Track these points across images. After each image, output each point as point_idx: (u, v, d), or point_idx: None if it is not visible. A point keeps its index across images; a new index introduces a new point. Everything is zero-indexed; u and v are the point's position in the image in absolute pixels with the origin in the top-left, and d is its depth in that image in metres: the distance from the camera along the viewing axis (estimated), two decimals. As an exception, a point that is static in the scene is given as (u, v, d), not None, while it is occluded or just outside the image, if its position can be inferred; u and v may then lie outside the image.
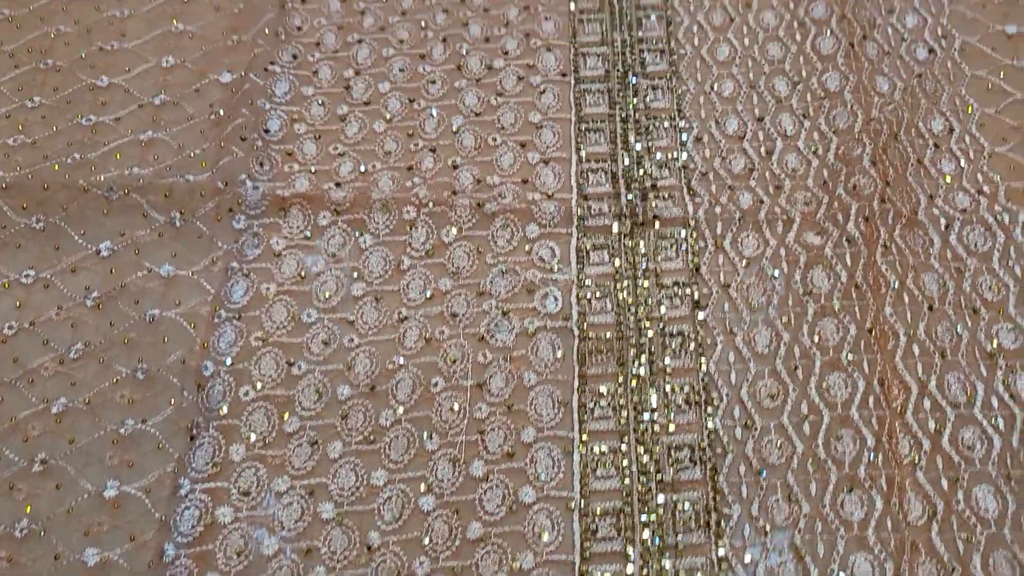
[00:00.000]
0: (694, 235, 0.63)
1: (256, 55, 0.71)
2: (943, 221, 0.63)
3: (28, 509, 0.53)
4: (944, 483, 0.54)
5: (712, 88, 0.71)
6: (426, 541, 0.52)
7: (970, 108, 0.69)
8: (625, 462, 0.55)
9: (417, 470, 0.54)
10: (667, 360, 0.58)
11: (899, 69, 0.71)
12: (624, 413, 0.56)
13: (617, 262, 0.62)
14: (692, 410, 0.57)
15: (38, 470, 0.53)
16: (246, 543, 0.52)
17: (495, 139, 0.68)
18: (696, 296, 0.61)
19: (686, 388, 0.57)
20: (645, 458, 0.55)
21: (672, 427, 0.56)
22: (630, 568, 0.52)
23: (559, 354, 0.58)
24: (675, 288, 0.61)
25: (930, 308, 0.60)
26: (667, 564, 0.52)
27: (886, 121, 0.68)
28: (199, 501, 0.53)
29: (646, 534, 0.53)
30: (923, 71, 0.71)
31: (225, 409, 0.56)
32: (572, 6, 0.75)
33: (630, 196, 0.65)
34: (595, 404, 0.57)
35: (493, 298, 0.61)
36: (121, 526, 0.52)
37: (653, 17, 0.74)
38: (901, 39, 0.73)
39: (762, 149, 0.68)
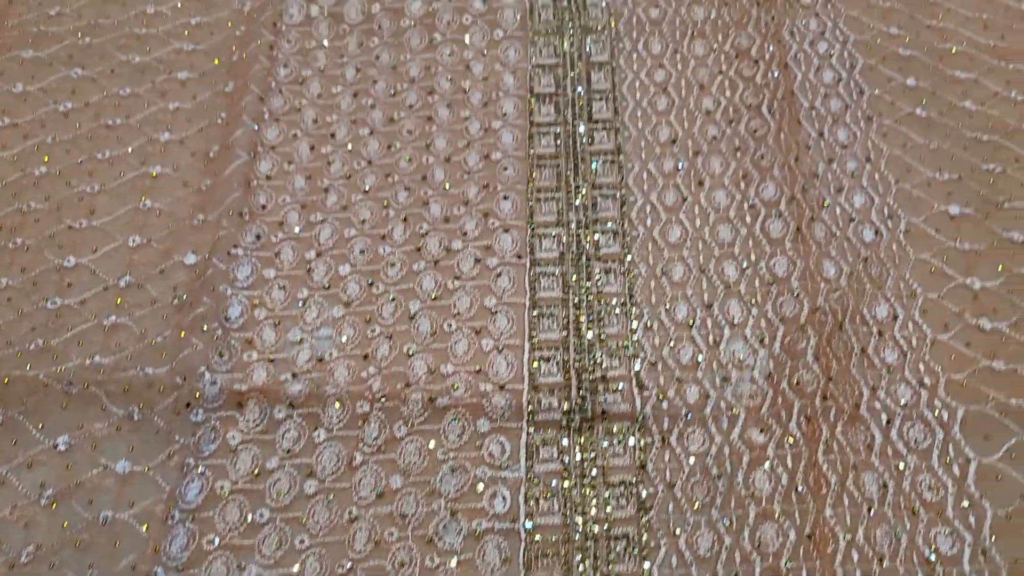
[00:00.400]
0: (641, 431, 0.65)
1: (220, 237, 0.72)
2: (884, 416, 0.65)
3: None
4: None
5: (663, 272, 0.73)
6: None
7: (914, 293, 0.71)
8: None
9: None
10: (610, 566, 0.59)
11: (846, 252, 0.74)
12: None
13: (565, 459, 0.64)
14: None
15: None
16: None
17: (450, 325, 0.70)
18: (643, 495, 0.62)
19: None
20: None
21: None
22: None
23: (505, 556, 0.59)
24: (621, 487, 0.63)
25: (869, 510, 0.61)
26: None
27: (831, 311, 0.70)
28: None
29: None
30: (869, 254, 0.73)
31: (174, 616, 0.57)
32: (529, 186, 0.77)
33: (580, 390, 0.66)
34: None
35: (442, 497, 0.62)
36: None
37: (608, 199, 0.77)
38: (849, 219, 0.76)
39: (710, 337, 0.69)
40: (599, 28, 0.86)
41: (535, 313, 0.71)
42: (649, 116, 0.83)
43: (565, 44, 0.85)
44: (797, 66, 0.84)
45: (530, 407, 0.66)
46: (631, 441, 0.65)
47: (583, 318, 0.70)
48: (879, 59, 0.85)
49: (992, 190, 0.77)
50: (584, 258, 0.74)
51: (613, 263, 0.73)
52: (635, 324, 0.70)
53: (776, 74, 0.84)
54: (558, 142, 0.80)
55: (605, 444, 0.64)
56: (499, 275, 0.72)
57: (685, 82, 0.84)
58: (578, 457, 0.64)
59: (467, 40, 0.85)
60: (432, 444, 0.64)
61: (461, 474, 0.63)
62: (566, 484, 0.63)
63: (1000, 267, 0.72)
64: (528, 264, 0.73)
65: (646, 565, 0.60)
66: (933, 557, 0.59)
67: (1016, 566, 0.59)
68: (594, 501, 0.62)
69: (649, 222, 0.76)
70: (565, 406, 0.66)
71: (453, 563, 0.59)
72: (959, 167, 0.78)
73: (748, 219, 0.76)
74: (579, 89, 0.83)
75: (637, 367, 0.68)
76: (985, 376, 0.67)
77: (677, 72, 0.85)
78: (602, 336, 0.70)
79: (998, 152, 0.79)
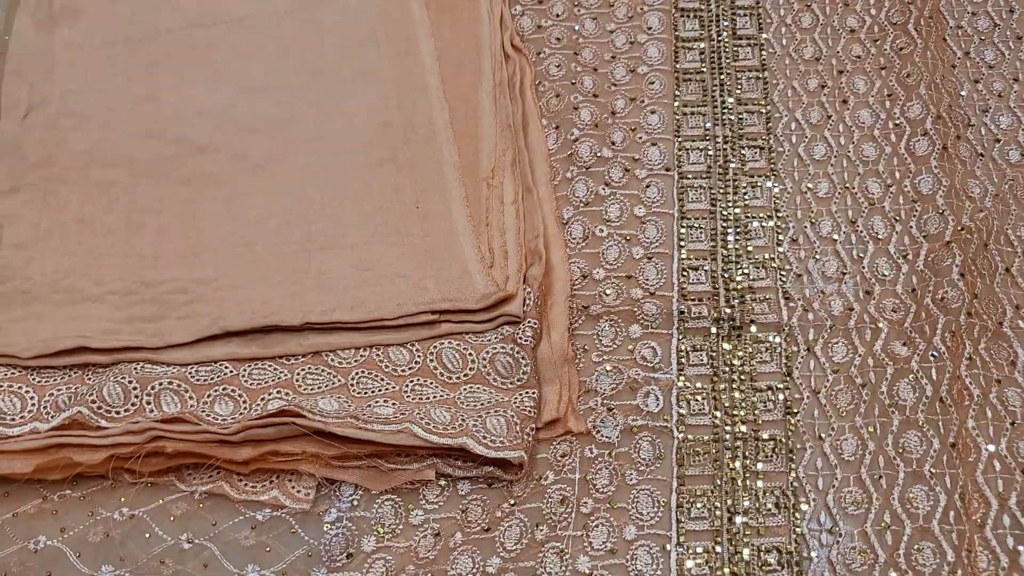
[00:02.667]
0: (787, 340, 0.68)
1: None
2: (1029, 335, 0.66)
3: None
4: (1020, 600, 0.58)
5: (808, 188, 0.75)
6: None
7: (1060, 215, 0.72)
8: (718, 563, 0.60)
9: (528, 560, 0.60)
10: (758, 465, 0.63)
11: (991, 172, 0.74)
12: (718, 514, 0.61)
13: (715, 364, 0.67)
14: (781, 514, 0.61)
15: None
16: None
17: (602, 231, 0.73)
18: (788, 401, 0.65)
19: (776, 492, 0.62)
20: (733, 559, 0.60)
21: (762, 530, 0.61)
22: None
23: (659, 453, 0.63)
24: (768, 392, 0.66)
25: (1012, 423, 0.63)
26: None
27: (976, 230, 0.71)
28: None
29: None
30: (1015, 175, 0.74)
31: None
32: (676, 101, 0.79)
33: (728, 299, 0.69)
34: (691, 505, 0.62)
35: (599, 395, 0.66)
36: None
37: (754, 115, 0.78)
38: (995, 140, 0.76)
39: (854, 252, 0.71)
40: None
41: (683, 222, 0.73)
42: (794, 33, 0.83)
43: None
44: (945, -18, 0.84)
45: (680, 315, 0.69)
46: (777, 348, 0.67)
47: (730, 230, 0.73)
48: (1030, -26, 0.84)
49: None
50: (730, 171, 0.76)
51: (759, 178, 0.75)
52: (781, 237, 0.72)
53: (923, -10, 0.83)
54: (703, 57, 0.82)
55: (751, 349, 0.67)
56: (648, 186, 0.75)
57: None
58: (727, 362, 0.67)
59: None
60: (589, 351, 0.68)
61: (616, 374, 0.66)
62: (716, 388, 0.66)
63: None
64: (676, 176, 0.75)
65: (793, 465, 0.63)
66: (1074, 467, 0.61)
67: None
68: (743, 404, 0.65)
69: (794, 139, 0.77)
70: (714, 314, 0.69)
71: (612, 454, 0.63)
72: (1114, 89, 0.78)
73: (893, 137, 0.77)
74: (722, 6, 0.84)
75: (783, 279, 0.70)
76: None
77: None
78: (749, 248, 0.72)
79: None
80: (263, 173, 0.73)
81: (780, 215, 0.74)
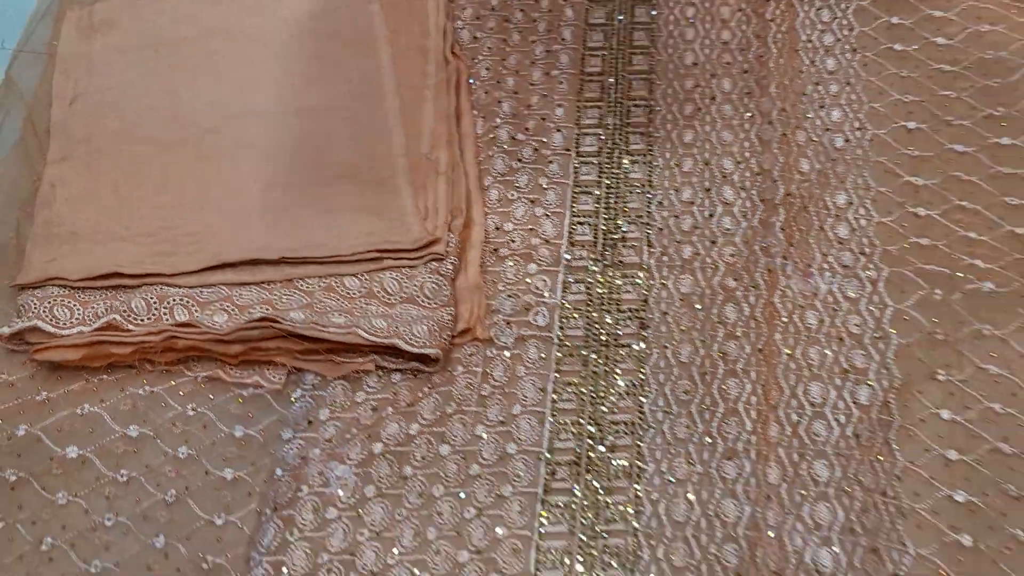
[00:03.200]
0: (646, 276, 0.89)
1: None
2: (828, 274, 0.88)
3: None
4: (796, 457, 0.79)
5: (676, 164, 0.96)
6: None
7: (868, 187, 0.93)
8: (581, 432, 0.81)
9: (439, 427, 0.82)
10: (616, 365, 0.85)
11: (819, 154, 0.96)
12: (583, 398, 0.83)
13: (589, 293, 0.89)
14: (630, 398, 0.83)
15: None
16: None
17: (512, 195, 0.95)
18: (643, 320, 0.87)
19: (628, 383, 0.83)
20: (592, 429, 0.81)
21: (615, 409, 0.82)
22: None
23: (542, 355, 0.85)
24: (628, 312, 0.88)
25: (806, 336, 0.85)
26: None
27: (799, 196, 0.92)
28: None
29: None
30: (837, 156, 0.95)
31: None
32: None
33: (604, 246, 0.91)
34: (563, 391, 0.83)
35: (500, 314, 0.87)
36: None
37: (640, 108, 1.00)
38: (825, 129, 0.98)
39: (706, 213, 0.93)
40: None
41: (576, 189, 0.95)
42: (678, 43, 1.05)
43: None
44: (800, 5, 1.05)
45: (567, 256, 0.91)
46: (639, 282, 0.89)
47: (612, 196, 0.95)
48: (870, 1, 1.05)
49: (944, 111, 0.97)
50: (616, 152, 0.98)
51: (638, 156, 0.97)
52: (650, 201, 0.94)
53: (783, 11, 1.05)
54: (604, 62, 1.04)
55: (619, 283, 0.89)
56: (551, 162, 0.97)
57: (710, 18, 1.06)
58: (598, 291, 0.89)
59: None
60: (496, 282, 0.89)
61: (515, 299, 0.88)
62: (589, 309, 0.88)
63: (940, 170, 0.94)
64: (574, 155, 0.97)
65: (642, 365, 0.84)
66: (848, 368, 0.83)
67: (907, 381, 0.82)
68: (608, 320, 0.87)
69: (669, 127, 0.99)
70: (592, 257, 0.91)
71: (507, 355, 0.85)
72: (921, 92, 0.99)
73: (747, 126, 0.98)
74: (622, 17, 1.06)
75: (648, 232, 0.92)
76: (912, 248, 0.89)
77: (705, 9, 1.07)
78: (625, 209, 0.94)
79: (956, 80, 0.99)
80: (253, 149, 0.94)
81: (652, 185, 0.95)
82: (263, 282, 0.87)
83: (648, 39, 1.06)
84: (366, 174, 0.92)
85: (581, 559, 0.75)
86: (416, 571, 0.75)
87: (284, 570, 0.75)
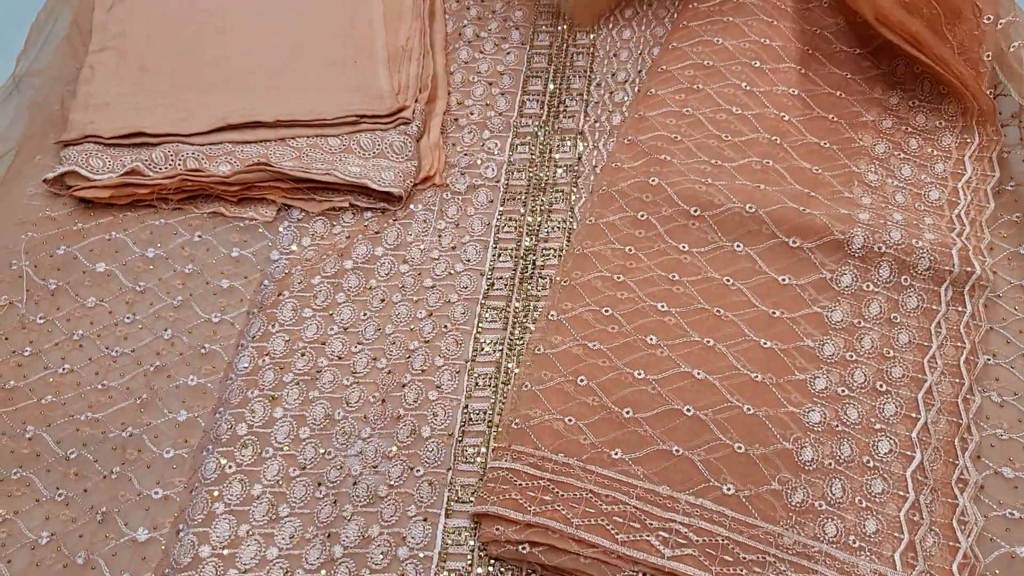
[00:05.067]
0: (581, 138, 1.06)
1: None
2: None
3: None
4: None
5: (614, 55, 1.13)
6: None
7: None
8: (518, 253, 0.98)
9: (401, 251, 0.98)
10: (551, 207, 1.01)
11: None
12: (520, 230, 0.99)
13: (534, 151, 1.05)
14: (562, 232, 0.99)
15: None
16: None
17: (473, 79, 1.12)
18: (577, 173, 1.04)
19: (562, 218, 1.00)
20: (527, 244, 0.98)
21: (547, 238, 0.99)
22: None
23: (490, 199, 1.02)
24: (564, 167, 1.04)
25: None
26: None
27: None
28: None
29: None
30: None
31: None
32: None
33: (547, 118, 1.08)
34: (504, 225, 1.00)
35: (456, 168, 1.04)
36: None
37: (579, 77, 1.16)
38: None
39: (631, 92, 1.10)
40: None
41: (528, 75, 1.12)
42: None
43: None
44: None
45: (515, 125, 1.08)
46: (578, 145, 1.06)
47: (560, 79, 1.11)
48: None
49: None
50: (565, 45, 1.15)
51: (583, 48, 1.14)
52: (590, 83, 1.11)
53: None
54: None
55: (558, 142, 1.06)
56: (508, 54, 1.14)
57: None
58: (541, 149, 1.05)
59: None
60: (455, 144, 1.06)
61: (469, 157, 1.05)
62: (531, 164, 1.05)
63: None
64: (528, 48, 1.15)
65: (574, 197, 1.01)
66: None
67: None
68: (546, 172, 1.04)
69: (611, 26, 1.16)
70: (537, 122, 1.08)
71: (460, 198, 1.02)
72: None
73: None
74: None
75: (586, 107, 1.09)
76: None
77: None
78: (569, 88, 1.10)
79: None
80: (257, 43, 1.12)
81: (592, 73, 1.12)
82: (261, 140, 1.04)
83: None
84: (350, 61, 1.10)
85: (510, 351, 0.92)
86: (375, 358, 0.92)
87: (266, 354, 0.92)
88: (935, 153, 1.00)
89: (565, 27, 1.16)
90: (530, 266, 0.97)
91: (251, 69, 1.10)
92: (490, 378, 0.90)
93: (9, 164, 1.06)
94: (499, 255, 0.98)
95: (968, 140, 1.00)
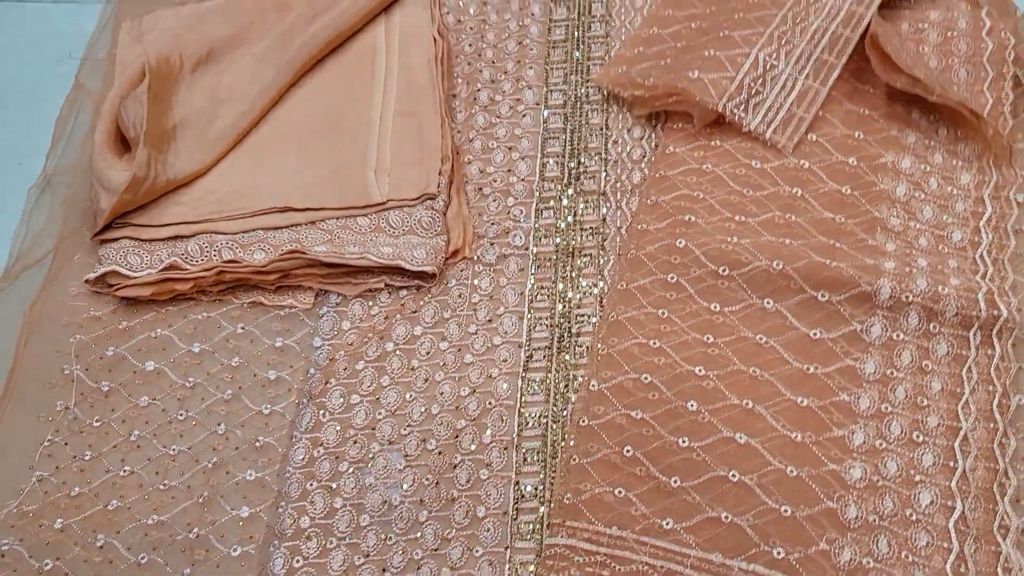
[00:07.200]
0: (603, 199, 1.08)
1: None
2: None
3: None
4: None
5: (628, 110, 1.15)
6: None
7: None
8: (552, 321, 1.00)
9: (439, 328, 1.01)
10: (580, 272, 1.04)
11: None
12: (554, 297, 1.02)
13: (558, 215, 1.08)
14: (593, 299, 1.02)
15: None
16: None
17: (493, 144, 1.14)
18: (601, 236, 1.06)
19: (591, 283, 1.02)
20: (560, 311, 1.01)
21: (580, 304, 1.01)
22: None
23: (521, 267, 1.04)
24: (591, 230, 1.07)
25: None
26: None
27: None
28: None
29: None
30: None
31: None
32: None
33: (570, 178, 1.10)
34: (538, 292, 1.03)
35: (484, 238, 1.07)
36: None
37: (596, 66, 1.19)
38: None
39: (649, 148, 1.12)
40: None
41: (546, 136, 1.14)
42: (630, 10, 1.24)
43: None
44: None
45: (538, 190, 1.10)
46: (601, 207, 1.08)
47: (577, 139, 1.14)
48: None
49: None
50: (579, 103, 1.17)
51: (596, 104, 1.16)
52: (607, 140, 1.13)
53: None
54: (567, 31, 1.23)
55: (582, 206, 1.08)
56: (524, 116, 1.16)
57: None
58: (565, 214, 1.08)
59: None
60: (481, 214, 1.09)
61: (496, 226, 1.07)
62: (558, 229, 1.07)
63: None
64: (543, 108, 1.17)
65: (602, 269, 1.03)
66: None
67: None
68: (573, 237, 1.06)
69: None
70: (560, 187, 1.10)
71: (491, 269, 1.04)
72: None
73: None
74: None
75: (605, 166, 1.11)
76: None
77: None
78: (587, 148, 1.13)
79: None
80: (285, 139, 1.14)
81: (608, 130, 1.14)
82: (292, 225, 1.07)
83: (603, 8, 1.24)
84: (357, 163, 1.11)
85: (555, 424, 0.95)
86: (424, 440, 0.95)
87: (320, 444, 0.95)
88: (955, 192, 1.02)
89: (578, 82, 1.18)
90: (566, 334, 1.00)
91: (281, 166, 1.12)
92: (537, 452, 0.93)
93: (49, 265, 1.08)
94: (535, 325, 1.01)
95: (986, 179, 1.02)
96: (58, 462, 0.96)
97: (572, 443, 0.91)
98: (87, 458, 0.96)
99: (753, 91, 1.05)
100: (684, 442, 0.89)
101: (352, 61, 1.20)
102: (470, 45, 1.23)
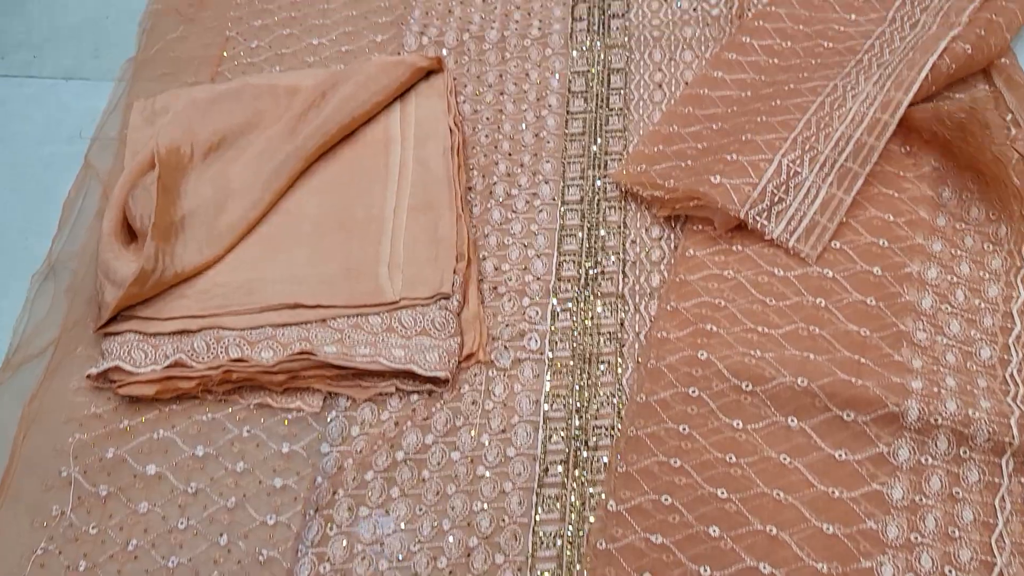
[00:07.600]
0: (621, 302, 1.06)
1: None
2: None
3: None
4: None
5: (646, 208, 1.13)
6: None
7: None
8: (568, 433, 0.97)
9: (450, 437, 0.98)
10: (599, 380, 1.01)
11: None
12: (570, 407, 0.99)
13: (575, 319, 1.05)
14: (612, 409, 0.99)
15: None
16: None
17: (508, 240, 1.12)
18: (619, 340, 1.03)
19: (609, 391, 0.99)
20: (577, 423, 0.97)
21: (597, 415, 0.98)
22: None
23: (536, 372, 1.02)
24: (608, 334, 1.04)
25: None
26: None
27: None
28: None
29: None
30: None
31: None
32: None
33: (587, 279, 1.08)
34: (554, 400, 0.99)
35: (499, 340, 1.04)
36: None
37: (614, 161, 1.17)
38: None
39: (672, 244, 1.09)
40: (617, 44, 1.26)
41: (563, 233, 1.12)
42: (647, 104, 1.22)
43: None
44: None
45: (554, 290, 1.07)
46: (620, 311, 1.05)
47: (594, 237, 1.11)
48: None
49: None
50: (596, 199, 1.14)
51: (614, 201, 1.14)
52: (625, 240, 1.11)
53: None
54: (584, 124, 1.21)
55: (599, 310, 1.06)
56: (540, 211, 1.14)
57: (675, 81, 1.23)
58: (583, 317, 1.05)
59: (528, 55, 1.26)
60: (496, 315, 1.06)
61: (511, 327, 1.05)
62: (575, 333, 1.04)
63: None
64: (559, 204, 1.14)
65: (621, 378, 1.00)
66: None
67: None
68: (590, 342, 1.03)
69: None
70: (576, 289, 1.07)
71: (505, 374, 1.01)
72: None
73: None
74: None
75: (624, 267, 1.08)
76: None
77: (670, 73, 1.24)
78: (603, 246, 1.10)
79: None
80: (296, 232, 1.12)
81: (626, 229, 1.12)
82: (301, 322, 1.04)
83: (622, 102, 1.23)
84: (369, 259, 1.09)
85: (571, 545, 0.91)
86: (434, 556, 0.91)
87: (326, 560, 0.91)
88: (982, 306, 1.00)
89: (595, 176, 1.16)
90: (582, 447, 0.96)
91: (288, 258, 1.09)
92: (552, 575, 0.89)
93: (51, 357, 1.05)
94: (551, 436, 0.97)
95: (1013, 295, 1.00)
96: (51, 573, 0.92)
97: (589, 567, 0.87)
98: (82, 569, 0.92)
99: (776, 198, 1.02)
100: (706, 571, 0.85)
101: (366, 152, 1.17)
102: (486, 136, 1.21)
